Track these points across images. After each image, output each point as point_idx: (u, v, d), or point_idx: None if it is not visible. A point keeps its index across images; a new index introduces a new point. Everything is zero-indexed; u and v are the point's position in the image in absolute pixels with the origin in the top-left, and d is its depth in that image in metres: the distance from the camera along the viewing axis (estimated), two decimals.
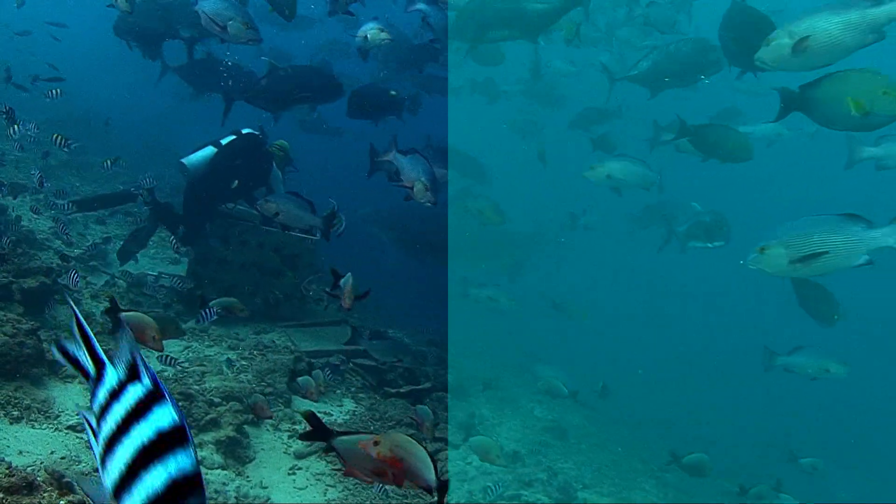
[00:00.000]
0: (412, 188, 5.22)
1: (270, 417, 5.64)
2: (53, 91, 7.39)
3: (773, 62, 4.16)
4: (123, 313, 4.08)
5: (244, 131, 7.70)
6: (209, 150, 7.59)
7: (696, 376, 14.12)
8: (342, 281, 4.90)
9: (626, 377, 13.06)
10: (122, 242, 8.19)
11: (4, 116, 6.53)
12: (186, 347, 6.68)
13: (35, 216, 8.28)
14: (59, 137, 6.78)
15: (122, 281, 7.65)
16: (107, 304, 6.96)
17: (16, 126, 6.48)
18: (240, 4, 5.89)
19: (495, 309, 10.15)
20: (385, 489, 5.44)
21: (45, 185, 7.36)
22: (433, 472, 2.77)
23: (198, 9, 5.88)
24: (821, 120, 4.52)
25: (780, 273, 3.44)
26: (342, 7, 6.07)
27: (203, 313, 5.40)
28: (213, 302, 5.63)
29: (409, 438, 2.90)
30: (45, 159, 10.15)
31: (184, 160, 7.58)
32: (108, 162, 7.55)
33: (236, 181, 7.39)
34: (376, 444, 2.85)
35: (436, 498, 2.81)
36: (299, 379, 5.92)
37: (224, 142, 7.63)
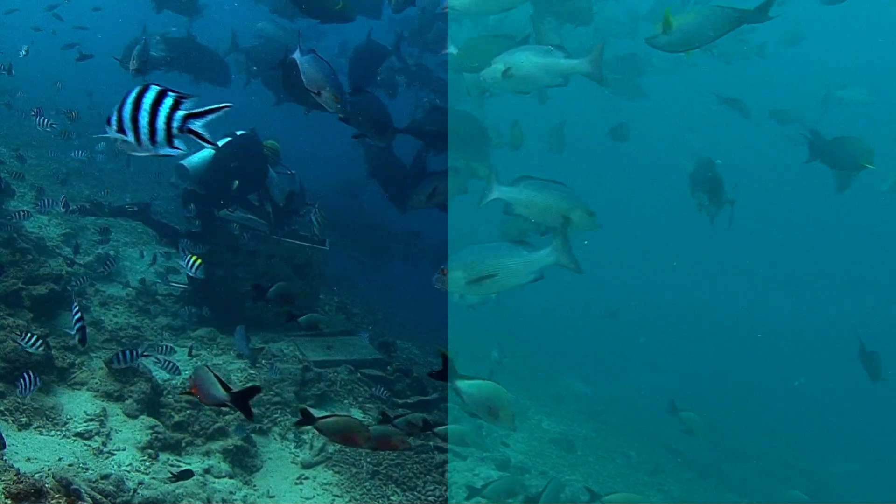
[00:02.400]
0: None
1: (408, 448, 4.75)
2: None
3: (491, 82, 5.07)
4: (321, 421, 3.85)
5: (238, 133, 7.61)
6: (207, 152, 7.37)
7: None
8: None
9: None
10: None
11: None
12: (195, 356, 6.67)
13: (46, 224, 8.33)
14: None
15: (131, 289, 7.67)
16: (116, 311, 7.00)
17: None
18: (334, 74, 5.31)
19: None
20: (389, 497, 5.46)
21: (69, 206, 7.54)
22: (220, 389, 3.18)
23: (303, 73, 5.22)
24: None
25: (460, 292, 3.80)
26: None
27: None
28: (301, 319, 5.73)
29: (205, 367, 3.35)
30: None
31: (183, 162, 7.39)
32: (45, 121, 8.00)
33: (236, 182, 7.34)
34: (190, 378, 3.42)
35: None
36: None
37: (220, 143, 7.52)
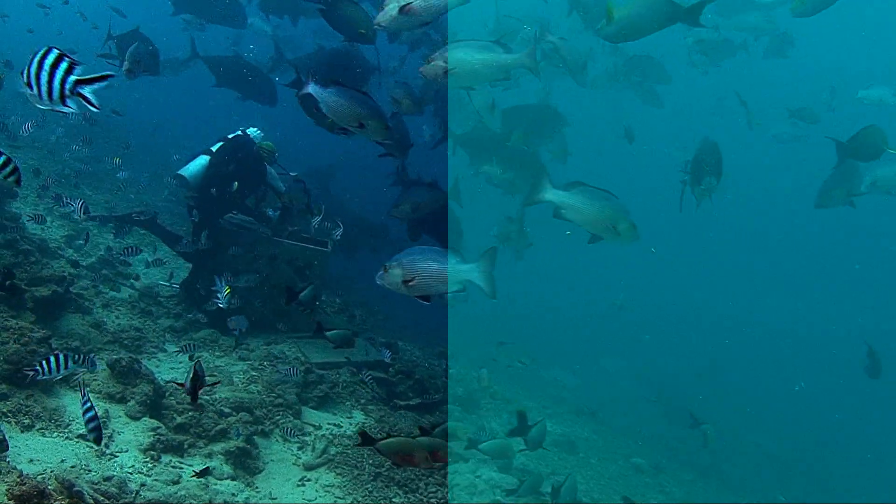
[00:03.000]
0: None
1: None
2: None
3: (432, 76, 5.14)
4: (382, 442, 4.08)
5: (230, 136, 7.64)
6: (204, 160, 7.49)
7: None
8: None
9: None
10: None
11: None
12: (198, 358, 6.68)
13: (48, 226, 8.34)
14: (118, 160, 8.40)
15: (134, 291, 7.68)
16: (118, 313, 7.01)
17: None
18: (372, 101, 4.85)
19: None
20: (391, 499, 5.47)
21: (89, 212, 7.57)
22: (189, 379, 3.76)
23: (331, 110, 4.74)
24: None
25: (397, 290, 4.09)
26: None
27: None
28: (330, 334, 5.78)
29: (197, 362, 3.90)
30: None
31: (181, 172, 7.47)
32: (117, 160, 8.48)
33: (235, 183, 7.36)
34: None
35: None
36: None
37: (214, 148, 7.57)
